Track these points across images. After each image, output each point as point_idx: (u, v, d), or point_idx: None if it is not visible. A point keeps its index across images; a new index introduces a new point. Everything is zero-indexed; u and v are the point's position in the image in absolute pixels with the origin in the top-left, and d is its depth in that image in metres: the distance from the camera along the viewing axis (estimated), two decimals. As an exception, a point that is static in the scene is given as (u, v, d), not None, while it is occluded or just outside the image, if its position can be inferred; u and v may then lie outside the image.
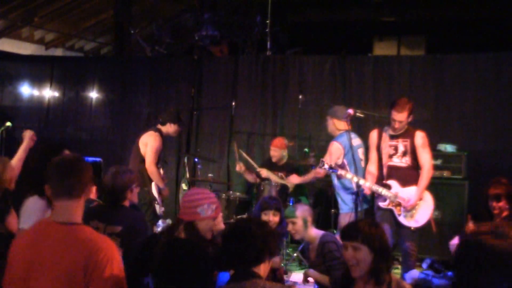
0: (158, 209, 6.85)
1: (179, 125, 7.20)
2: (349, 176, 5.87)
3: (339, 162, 6.28)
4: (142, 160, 6.87)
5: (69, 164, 2.80)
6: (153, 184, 6.87)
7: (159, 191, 6.90)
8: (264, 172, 7.39)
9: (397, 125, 5.94)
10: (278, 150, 7.62)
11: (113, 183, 4.50)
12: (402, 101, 5.94)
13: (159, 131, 7.05)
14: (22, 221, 3.93)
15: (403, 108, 5.87)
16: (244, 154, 7.81)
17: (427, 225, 5.97)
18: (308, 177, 6.93)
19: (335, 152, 6.33)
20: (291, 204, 7.11)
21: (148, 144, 6.90)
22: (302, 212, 4.87)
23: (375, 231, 3.14)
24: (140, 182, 6.58)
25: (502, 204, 5.38)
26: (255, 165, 7.66)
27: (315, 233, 4.88)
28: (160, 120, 7.15)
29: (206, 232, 3.59)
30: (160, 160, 7.06)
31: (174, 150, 9.07)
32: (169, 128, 7.11)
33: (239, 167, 7.74)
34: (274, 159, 7.70)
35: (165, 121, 7.08)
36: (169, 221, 8.48)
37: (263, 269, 3.01)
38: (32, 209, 3.92)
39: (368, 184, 5.86)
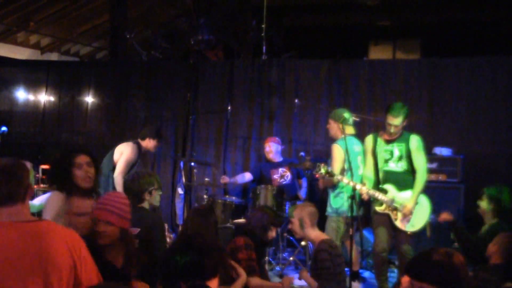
0: None
1: (158, 141, 7.28)
2: (346, 181, 5.87)
3: (345, 166, 6.19)
4: (113, 167, 6.95)
5: (6, 170, 2.75)
6: None
7: None
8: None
9: (392, 130, 5.95)
10: (275, 145, 7.73)
11: (131, 185, 4.69)
12: (397, 105, 5.95)
13: (138, 144, 7.12)
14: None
15: (399, 113, 5.88)
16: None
17: (424, 229, 5.98)
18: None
19: (339, 155, 6.25)
20: (286, 206, 7.13)
21: (123, 153, 6.99)
22: (299, 212, 4.93)
23: (453, 269, 2.54)
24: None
25: None
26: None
27: (314, 235, 4.89)
28: (140, 134, 7.25)
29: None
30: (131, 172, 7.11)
31: (169, 154, 9.07)
32: (148, 143, 7.19)
33: (223, 179, 7.88)
34: (270, 155, 7.75)
35: (145, 136, 7.19)
36: (165, 225, 8.49)
37: (215, 285, 3.00)
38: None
39: (365, 189, 5.87)
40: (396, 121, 5.89)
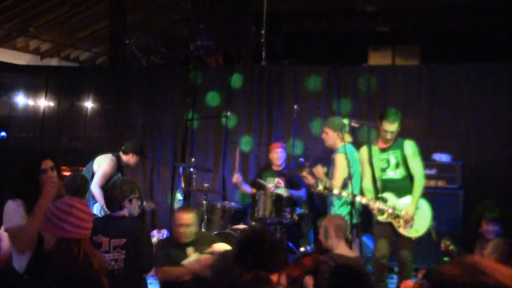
0: None
1: (141, 157, 7.32)
2: (345, 194, 5.86)
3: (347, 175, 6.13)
4: (92, 176, 7.03)
5: None
6: (96, 204, 6.95)
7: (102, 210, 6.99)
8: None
9: (389, 136, 5.96)
10: (284, 150, 7.69)
11: (112, 191, 4.65)
12: (392, 111, 5.97)
13: (118, 158, 7.13)
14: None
15: (395, 119, 5.90)
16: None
17: (426, 234, 5.98)
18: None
19: (343, 165, 6.18)
20: (285, 214, 7.09)
21: (101, 166, 7.05)
22: (326, 222, 4.96)
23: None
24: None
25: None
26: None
27: (332, 247, 4.87)
28: (123, 148, 7.26)
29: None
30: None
31: (169, 160, 9.06)
32: (130, 159, 7.25)
33: (236, 178, 7.78)
34: (279, 161, 7.69)
35: (128, 150, 7.23)
36: (164, 231, 8.49)
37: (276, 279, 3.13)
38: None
39: (365, 201, 5.88)
40: (392, 127, 5.91)
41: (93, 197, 6.99)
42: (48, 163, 4.19)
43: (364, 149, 6.22)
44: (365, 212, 6.24)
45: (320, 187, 5.80)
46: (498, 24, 12.63)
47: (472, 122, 7.91)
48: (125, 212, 4.64)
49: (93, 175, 7.07)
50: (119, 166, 7.21)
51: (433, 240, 6.05)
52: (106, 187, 4.72)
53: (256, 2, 10.97)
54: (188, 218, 5.06)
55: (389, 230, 5.98)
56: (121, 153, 7.21)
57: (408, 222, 5.87)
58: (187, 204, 8.11)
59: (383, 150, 6.08)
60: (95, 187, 6.93)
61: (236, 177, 7.76)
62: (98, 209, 6.93)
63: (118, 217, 4.56)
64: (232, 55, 11.80)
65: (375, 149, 6.10)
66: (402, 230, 5.90)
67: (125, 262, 4.38)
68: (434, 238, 6.03)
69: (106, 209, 6.90)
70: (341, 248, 4.90)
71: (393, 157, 6.03)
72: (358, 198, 5.86)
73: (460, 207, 7.29)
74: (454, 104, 8.01)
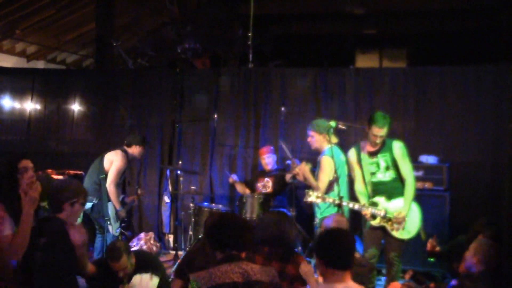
0: (111, 228, 6.85)
1: (144, 147, 7.37)
2: (335, 201, 5.80)
3: (333, 177, 6.16)
4: (105, 175, 6.97)
5: None
6: (109, 204, 6.93)
7: (116, 211, 6.94)
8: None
9: (378, 140, 5.96)
10: (272, 155, 7.72)
11: (54, 191, 4.52)
12: (380, 116, 5.94)
13: (126, 152, 7.14)
14: None
15: (384, 124, 5.89)
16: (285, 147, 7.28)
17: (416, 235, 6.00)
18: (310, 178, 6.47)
19: (329, 167, 6.18)
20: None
21: (114, 162, 7.02)
22: (327, 223, 4.91)
23: None
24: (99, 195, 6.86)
25: None
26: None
27: None
28: (126, 142, 7.28)
29: None
30: (121, 180, 7.24)
31: (156, 162, 9.03)
32: (135, 150, 7.26)
33: (232, 179, 7.90)
34: (269, 166, 7.73)
35: (131, 143, 7.26)
36: (151, 234, 8.47)
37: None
38: None
39: (357, 207, 5.87)
40: (382, 132, 5.90)
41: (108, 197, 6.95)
42: (26, 163, 4.16)
43: (352, 152, 6.22)
44: (354, 213, 6.24)
45: (313, 197, 5.78)
46: (483, 27, 12.72)
47: (458, 124, 7.94)
48: (62, 215, 4.44)
49: (105, 173, 7.00)
50: (128, 160, 7.20)
51: (422, 240, 6.06)
52: (51, 187, 4.61)
53: (243, 5, 10.99)
54: (121, 264, 5.05)
55: (380, 234, 5.98)
56: (125, 147, 7.20)
57: (401, 223, 5.87)
58: (174, 207, 8.09)
59: (372, 154, 6.07)
60: (111, 186, 6.88)
61: (233, 179, 7.92)
62: (111, 209, 6.91)
63: (49, 217, 4.45)
64: (219, 57, 11.80)
65: (363, 154, 6.09)
66: (395, 233, 5.90)
67: (42, 262, 4.21)
68: (423, 238, 6.05)
69: (119, 209, 6.92)
70: None
71: (382, 160, 6.03)
72: (350, 205, 5.86)
73: (447, 209, 7.31)
74: (440, 106, 8.04)
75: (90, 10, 11.96)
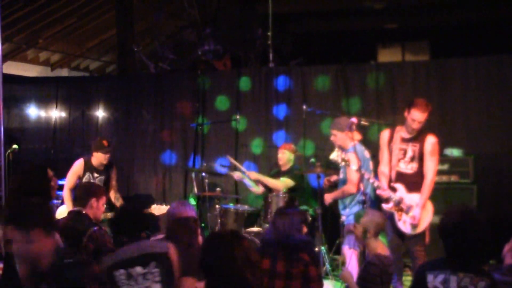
0: None
1: (104, 152, 7.15)
2: (364, 172, 5.92)
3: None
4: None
5: None
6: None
7: None
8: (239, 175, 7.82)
9: (415, 125, 5.86)
10: (285, 152, 7.61)
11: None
12: (422, 101, 5.89)
13: (87, 159, 7.19)
14: None
15: (425, 109, 5.82)
16: (232, 160, 8.07)
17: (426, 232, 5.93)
18: (337, 194, 6.50)
19: (355, 164, 6.07)
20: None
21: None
22: (366, 221, 4.75)
23: None
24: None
25: None
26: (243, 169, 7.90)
27: (373, 246, 4.75)
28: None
29: None
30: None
31: (180, 165, 9.09)
32: (97, 157, 7.17)
33: (237, 175, 7.87)
34: (280, 162, 7.69)
35: (91, 151, 7.22)
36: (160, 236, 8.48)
37: None
38: None
39: (377, 183, 5.88)
40: (422, 116, 5.81)
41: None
42: (50, 172, 4.43)
43: (385, 134, 6.15)
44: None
45: (334, 156, 5.82)
46: (506, 16, 12.55)
47: (483, 116, 7.83)
48: (90, 211, 4.73)
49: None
50: (88, 167, 7.17)
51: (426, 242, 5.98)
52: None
53: (262, 4, 10.99)
54: None
55: (390, 225, 5.92)
56: (91, 155, 7.26)
57: (409, 218, 5.81)
58: (200, 209, 8.13)
59: (404, 140, 6.00)
60: (64, 190, 7.14)
61: (237, 175, 7.89)
62: None
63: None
64: (240, 58, 11.81)
65: (397, 137, 6.03)
66: (400, 224, 5.82)
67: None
68: (427, 240, 5.96)
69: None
70: (378, 245, 4.79)
71: (411, 150, 5.93)
72: (371, 180, 5.83)
73: (474, 202, 7.21)
74: (464, 98, 7.94)
75: (111, 16, 12.08)
